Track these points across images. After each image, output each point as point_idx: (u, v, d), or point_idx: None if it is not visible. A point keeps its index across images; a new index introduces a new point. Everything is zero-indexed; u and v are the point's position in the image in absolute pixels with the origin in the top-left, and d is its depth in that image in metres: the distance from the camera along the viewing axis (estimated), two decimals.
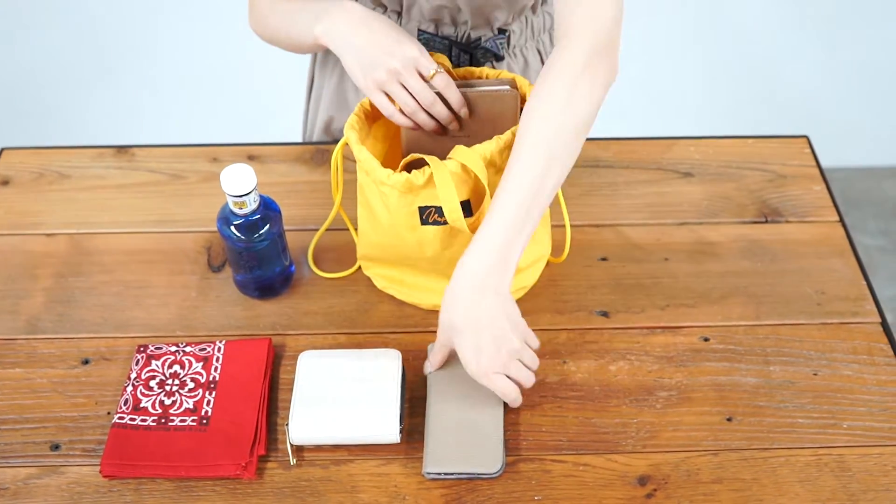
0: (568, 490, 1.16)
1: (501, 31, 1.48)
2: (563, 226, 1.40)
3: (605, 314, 1.35)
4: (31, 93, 3.00)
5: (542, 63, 1.58)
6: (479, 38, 1.47)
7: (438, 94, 1.26)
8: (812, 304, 1.36)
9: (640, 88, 2.96)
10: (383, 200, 1.23)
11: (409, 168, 1.23)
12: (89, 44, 2.92)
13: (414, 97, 1.26)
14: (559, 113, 1.16)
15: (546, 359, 1.29)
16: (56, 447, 1.20)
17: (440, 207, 1.21)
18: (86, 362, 1.29)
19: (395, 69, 1.24)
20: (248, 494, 1.15)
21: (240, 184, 1.22)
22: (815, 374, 1.28)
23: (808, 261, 1.42)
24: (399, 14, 1.47)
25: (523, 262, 1.32)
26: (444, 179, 1.17)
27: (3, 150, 1.59)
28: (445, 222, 1.23)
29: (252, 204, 1.25)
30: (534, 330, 1.31)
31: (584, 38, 1.18)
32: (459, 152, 1.20)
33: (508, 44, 1.50)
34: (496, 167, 1.23)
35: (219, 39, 2.81)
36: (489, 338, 1.15)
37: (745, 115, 3.14)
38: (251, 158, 1.57)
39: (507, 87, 1.28)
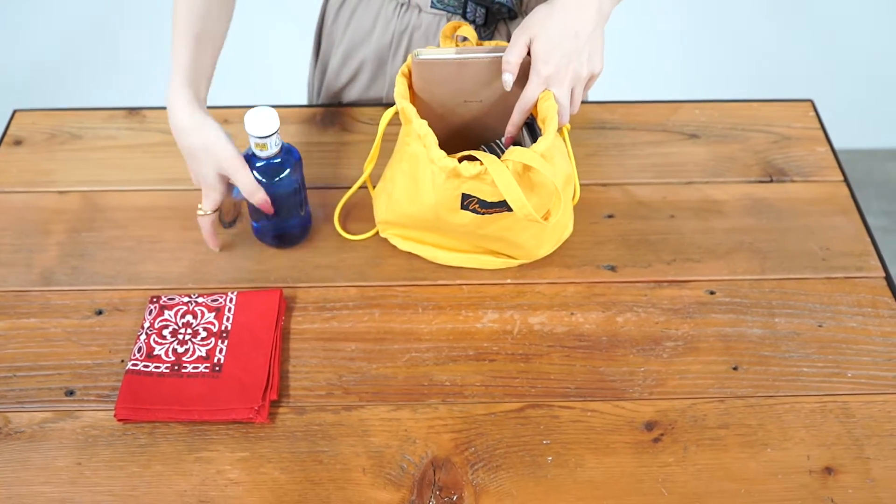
0: (576, 434, 1.18)
1: None
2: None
3: (612, 268, 1.37)
4: (43, 61, 3.01)
5: None
6: None
7: None
8: (817, 260, 1.38)
9: (646, 58, 2.98)
10: (432, 178, 1.24)
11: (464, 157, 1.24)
12: (99, 12, 2.92)
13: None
14: None
15: (554, 310, 1.31)
16: (71, 393, 1.21)
17: (482, 200, 1.22)
18: (99, 313, 1.31)
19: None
20: (261, 438, 1.17)
21: (263, 125, 1.23)
22: (819, 326, 1.29)
23: (813, 218, 1.44)
24: None
25: (551, 237, 1.34)
26: (503, 176, 1.18)
27: (15, 111, 1.61)
28: (483, 213, 1.24)
29: (273, 147, 1.26)
30: (542, 283, 1.33)
31: None
32: (517, 153, 1.20)
33: (520, 1, 1.52)
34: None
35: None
36: (566, 50, 1.24)
37: (746, 93, 3.15)
38: None
39: None
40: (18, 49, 2.98)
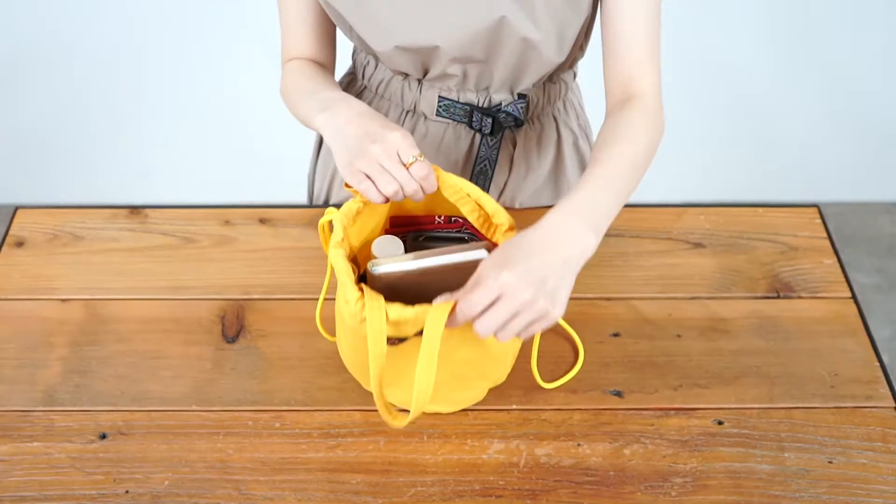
0: None
1: (521, 95, 1.49)
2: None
3: (618, 394, 1.36)
4: (43, 150, 3.03)
5: (557, 129, 1.59)
6: (500, 103, 1.48)
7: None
8: (826, 387, 1.37)
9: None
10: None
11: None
12: (99, 102, 2.95)
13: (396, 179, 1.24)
14: (633, 143, 1.29)
15: (560, 440, 1.30)
16: None
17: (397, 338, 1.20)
18: (103, 437, 1.29)
19: (377, 154, 1.22)
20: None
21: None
22: (830, 462, 1.29)
23: (821, 340, 1.43)
24: (420, 81, 1.48)
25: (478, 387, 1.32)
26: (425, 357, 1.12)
27: (17, 209, 1.59)
28: (397, 341, 1.21)
29: None
30: (548, 409, 1.32)
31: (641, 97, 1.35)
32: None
33: (527, 110, 1.51)
34: None
35: (228, 98, 2.83)
36: (534, 266, 1.10)
37: (736, 149, 3.17)
38: (263, 222, 1.58)
39: (483, 249, 1.22)
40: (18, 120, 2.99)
